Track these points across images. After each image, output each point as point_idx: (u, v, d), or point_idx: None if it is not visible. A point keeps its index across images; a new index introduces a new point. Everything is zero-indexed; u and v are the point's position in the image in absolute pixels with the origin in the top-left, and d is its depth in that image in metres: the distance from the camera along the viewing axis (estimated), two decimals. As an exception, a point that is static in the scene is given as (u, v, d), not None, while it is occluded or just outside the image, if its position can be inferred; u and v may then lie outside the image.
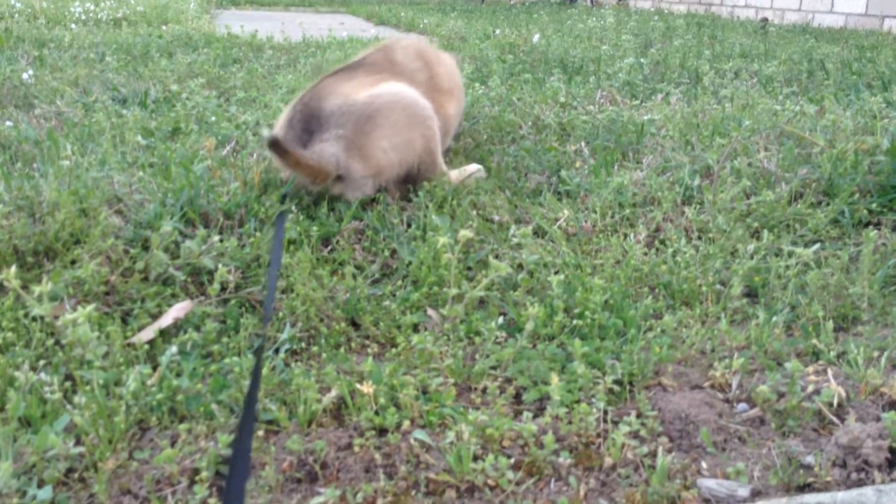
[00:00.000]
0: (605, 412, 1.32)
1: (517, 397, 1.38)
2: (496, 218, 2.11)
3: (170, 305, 1.60)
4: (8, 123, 2.86)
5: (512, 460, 1.20)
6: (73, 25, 6.37)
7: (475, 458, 1.18)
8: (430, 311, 1.64)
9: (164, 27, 6.52)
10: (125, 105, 3.34)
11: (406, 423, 1.27)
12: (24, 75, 3.70)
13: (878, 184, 2.26)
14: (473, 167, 2.41)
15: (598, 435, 1.27)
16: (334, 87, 2.24)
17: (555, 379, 1.27)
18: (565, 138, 2.89)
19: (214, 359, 1.45)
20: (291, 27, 7.46)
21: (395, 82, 2.31)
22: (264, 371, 1.35)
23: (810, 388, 1.36)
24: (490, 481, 1.16)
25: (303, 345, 1.54)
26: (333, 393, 1.31)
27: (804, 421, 1.31)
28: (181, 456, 1.18)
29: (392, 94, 2.23)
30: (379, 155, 2.14)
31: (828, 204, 2.18)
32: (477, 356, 1.48)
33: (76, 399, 1.23)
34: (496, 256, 1.89)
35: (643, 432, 1.26)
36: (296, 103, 2.24)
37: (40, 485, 1.13)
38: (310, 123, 2.14)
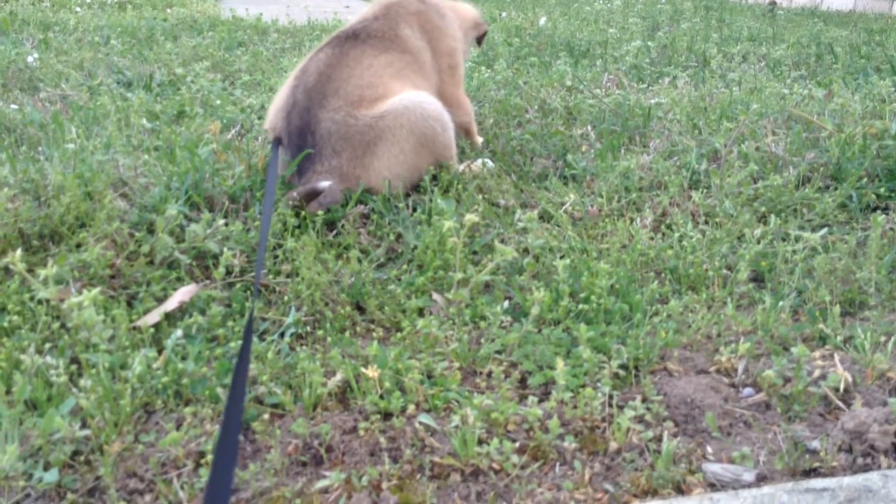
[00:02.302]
0: (611, 397, 1.32)
1: (522, 381, 1.38)
2: (502, 202, 2.10)
3: (175, 289, 1.60)
4: (13, 107, 2.85)
5: (517, 444, 1.20)
6: (77, 9, 6.36)
7: (480, 442, 1.18)
8: (436, 296, 1.64)
9: (168, 10, 6.50)
10: (130, 88, 3.34)
11: (411, 407, 1.27)
12: (29, 58, 3.70)
13: (886, 168, 2.24)
14: (479, 163, 2.31)
15: (604, 419, 1.27)
16: (335, 85, 2.04)
17: (560, 363, 1.27)
18: (571, 122, 2.88)
19: (219, 342, 1.45)
20: (296, 10, 7.42)
21: (406, 93, 2.09)
22: (269, 355, 1.35)
23: (816, 373, 1.36)
24: (495, 465, 1.16)
25: (308, 329, 1.54)
26: (339, 377, 1.31)
27: (810, 406, 1.30)
28: (186, 439, 1.18)
29: (399, 114, 2.02)
30: (376, 182, 2.02)
31: (835, 188, 2.17)
32: (482, 340, 1.47)
33: (82, 382, 1.23)
34: (502, 241, 1.88)
35: (648, 417, 1.26)
36: (296, 86, 2.07)
37: (46, 467, 1.13)
38: (304, 139, 2.00)
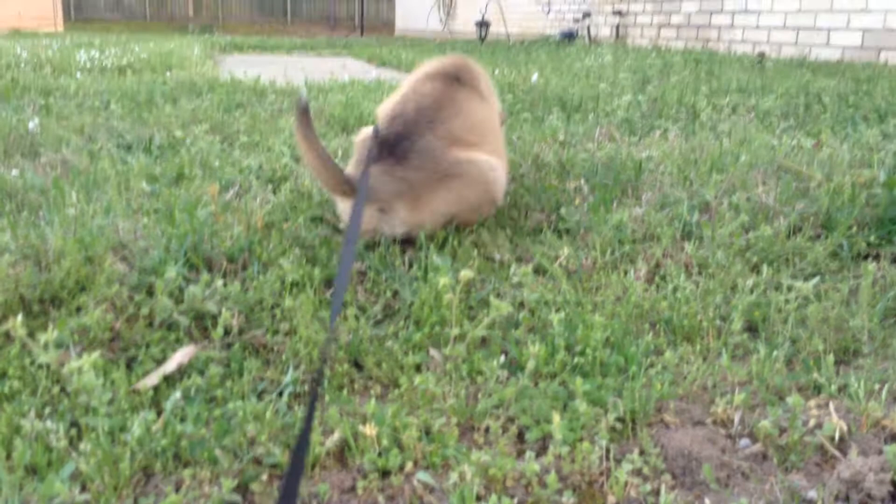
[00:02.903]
0: (608, 450, 1.32)
1: (520, 436, 1.39)
2: (497, 257, 2.12)
3: (174, 351, 1.61)
4: (14, 172, 2.89)
5: (515, 500, 1.20)
6: (78, 74, 6.47)
7: (478, 499, 1.19)
8: (433, 351, 1.65)
9: (168, 73, 6.62)
10: (130, 151, 3.39)
11: (409, 465, 1.27)
12: (31, 124, 3.76)
13: (875, 216, 2.28)
14: None
15: (601, 473, 1.27)
16: (444, 115, 2.20)
17: (557, 417, 1.28)
18: (565, 176, 2.92)
19: (218, 403, 1.45)
20: (294, 71, 7.56)
21: (494, 157, 2.25)
22: (267, 415, 1.36)
23: (812, 423, 1.36)
24: (493, 522, 1.16)
25: (306, 387, 1.55)
26: (336, 435, 1.31)
27: (806, 455, 1.31)
28: (185, 501, 1.18)
29: (482, 171, 2.17)
30: (427, 214, 2.12)
31: (826, 237, 2.19)
32: (479, 395, 1.48)
33: (81, 446, 1.24)
34: (497, 295, 1.90)
35: (646, 470, 1.26)
36: (407, 101, 2.23)
37: (46, 533, 1.13)
38: (399, 143, 2.12)
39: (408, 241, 2.18)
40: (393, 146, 2.12)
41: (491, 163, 2.21)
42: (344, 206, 2.18)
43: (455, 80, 2.36)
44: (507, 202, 2.53)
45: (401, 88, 2.38)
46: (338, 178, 2.06)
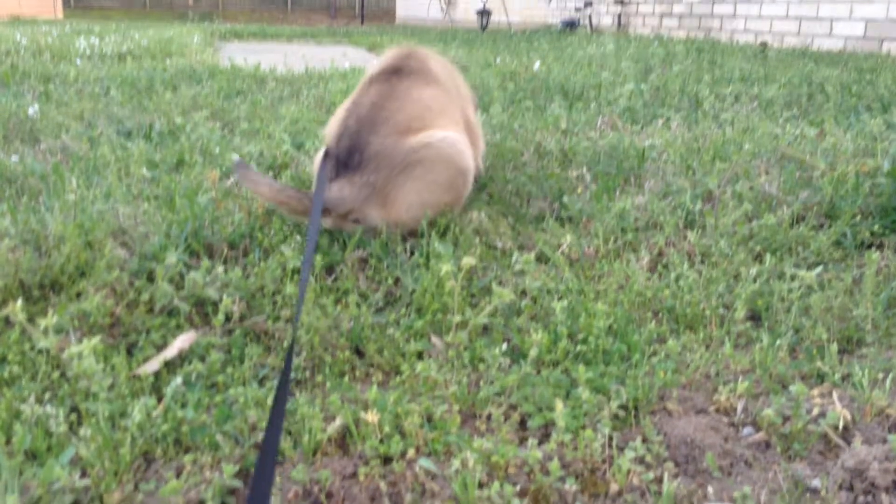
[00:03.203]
0: (611, 438, 1.31)
1: (522, 424, 1.38)
2: (499, 244, 2.11)
3: (174, 337, 1.60)
4: (14, 158, 2.88)
5: (517, 487, 1.19)
6: (78, 60, 6.45)
7: (480, 486, 1.18)
8: (434, 339, 1.64)
9: (168, 60, 6.59)
10: (130, 138, 3.37)
11: (411, 452, 1.27)
12: (30, 110, 3.74)
13: (879, 205, 2.27)
14: None
15: (604, 461, 1.27)
16: (386, 115, 2.15)
17: (559, 405, 1.27)
18: (567, 164, 2.91)
19: (219, 389, 1.45)
20: (294, 59, 7.53)
21: (450, 132, 2.19)
22: (268, 401, 1.35)
23: (815, 411, 1.36)
24: (496, 509, 1.15)
25: (307, 374, 1.54)
26: (338, 422, 1.31)
27: (810, 444, 1.30)
28: (186, 487, 1.18)
29: (440, 149, 2.11)
30: (402, 210, 2.08)
31: (830, 226, 2.18)
32: (481, 383, 1.48)
33: (82, 431, 1.23)
34: (499, 283, 1.90)
35: (649, 458, 1.26)
36: (348, 115, 2.18)
37: (46, 518, 1.13)
38: (351, 158, 2.08)
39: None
40: (346, 160, 2.08)
41: (448, 138, 2.14)
42: None
43: (395, 73, 2.31)
44: (509, 190, 2.52)
45: (344, 104, 2.35)
46: (298, 200, 2.02)
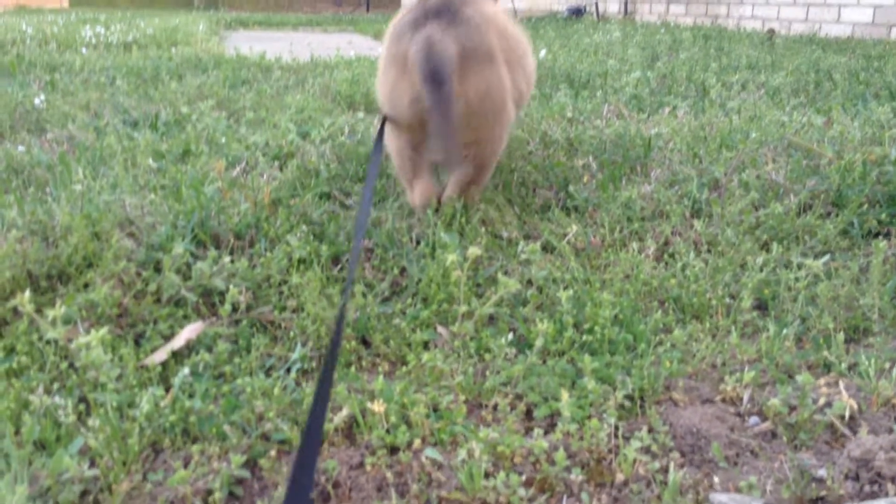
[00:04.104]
0: (617, 428, 1.32)
1: (528, 414, 1.39)
2: (505, 234, 2.11)
3: (182, 327, 1.61)
4: (20, 148, 2.89)
5: (523, 477, 1.20)
6: (83, 50, 6.44)
7: (487, 476, 1.18)
8: (440, 329, 1.65)
9: (173, 50, 6.58)
10: (136, 128, 3.38)
11: (417, 442, 1.27)
12: (36, 100, 3.75)
13: (886, 194, 2.26)
14: None
15: (610, 451, 1.27)
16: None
17: (565, 395, 1.28)
18: (573, 153, 2.90)
19: (226, 379, 1.45)
20: (300, 47, 7.52)
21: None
22: (275, 391, 1.36)
23: (822, 401, 1.36)
24: (502, 498, 1.16)
25: (314, 364, 1.55)
26: (345, 412, 1.31)
27: (816, 434, 1.30)
28: (194, 477, 1.19)
29: (520, 44, 2.16)
30: (471, 90, 1.95)
31: (837, 215, 2.18)
32: (487, 373, 1.48)
33: (90, 422, 1.24)
34: (505, 273, 1.90)
35: (655, 447, 1.26)
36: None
37: (55, 508, 1.14)
38: (442, 13, 1.96)
39: (414, 217, 2.17)
40: (437, 12, 1.97)
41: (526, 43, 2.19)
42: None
43: None
44: (515, 179, 2.52)
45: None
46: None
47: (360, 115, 3.64)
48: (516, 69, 2.19)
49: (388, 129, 2.08)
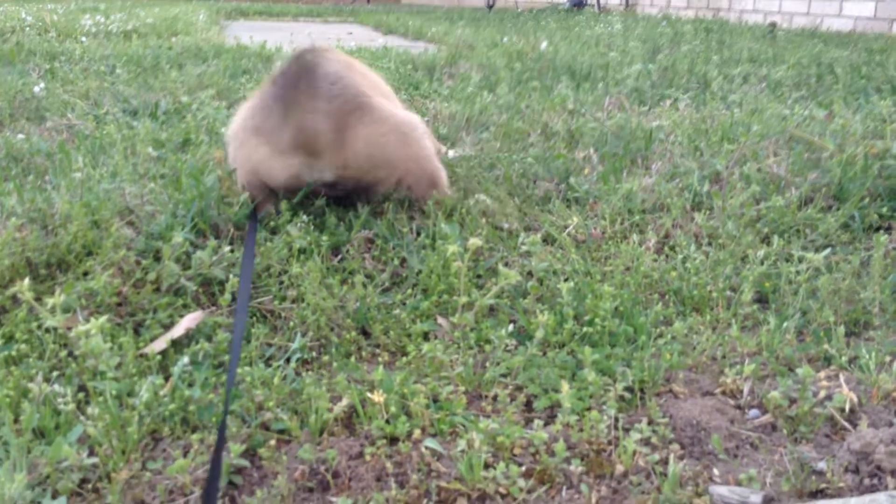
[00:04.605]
0: (616, 419, 1.32)
1: (528, 405, 1.38)
2: (505, 225, 2.11)
3: (181, 316, 1.61)
4: (20, 136, 2.88)
5: (523, 468, 1.20)
6: (83, 38, 6.42)
7: (486, 466, 1.18)
8: (440, 320, 1.65)
9: (173, 39, 6.56)
10: (136, 117, 3.37)
11: (417, 432, 1.27)
12: (36, 88, 3.73)
13: (888, 188, 2.25)
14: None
15: (610, 442, 1.27)
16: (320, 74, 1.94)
17: (565, 386, 1.27)
18: (574, 145, 2.90)
19: (226, 369, 1.45)
20: (300, 37, 7.49)
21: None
22: (275, 381, 1.35)
23: (822, 394, 1.36)
24: (501, 489, 1.16)
25: (313, 354, 1.54)
26: (344, 402, 1.31)
27: (816, 427, 1.30)
28: (194, 466, 1.19)
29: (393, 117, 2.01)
30: (358, 148, 1.93)
31: (838, 209, 2.17)
32: (487, 364, 1.48)
33: (89, 410, 1.24)
34: (506, 264, 1.89)
35: (654, 439, 1.26)
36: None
37: (54, 496, 1.13)
38: (298, 81, 1.91)
39: (416, 209, 2.16)
40: (294, 83, 1.91)
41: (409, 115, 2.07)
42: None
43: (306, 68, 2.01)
44: (515, 171, 2.51)
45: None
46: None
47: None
48: (392, 99, 2.18)
49: (253, 179, 2.04)
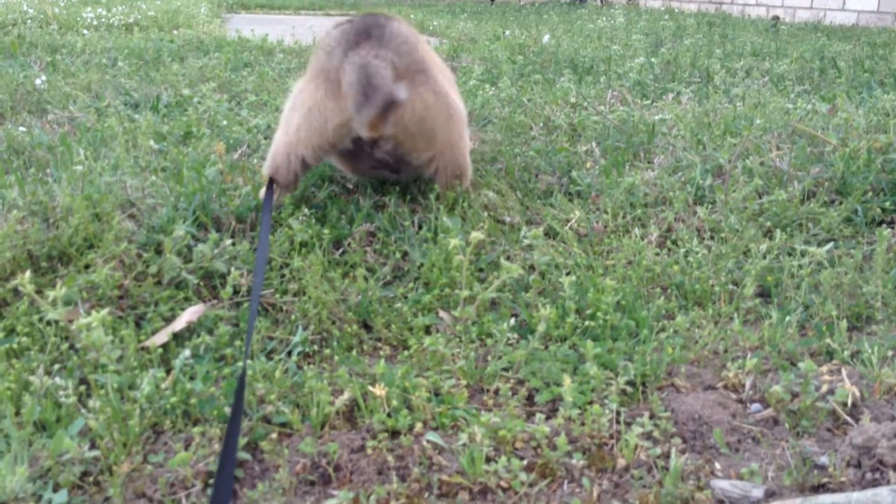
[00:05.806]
0: (618, 413, 1.31)
1: (529, 399, 1.38)
2: (507, 219, 2.10)
3: (183, 309, 1.61)
4: (21, 129, 2.88)
5: (525, 462, 1.20)
6: (85, 31, 6.41)
7: (488, 460, 1.18)
8: (442, 313, 1.64)
9: (175, 32, 6.55)
10: (137, 110, 3.36)
11: (418, 425, 1.27)
12: (37, 81, 3.73)
13: (891, 182, 2.25)
14: None
15: (611, 436, 1.27)
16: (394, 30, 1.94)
17: (567, 380, 1.27)
18: (576, 139, 2.89)
19: (227, 362, 1.45)
20: (302, 30, 7.47)
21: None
22: (276, 374, 1.35)
23: (824, 388, 1.35)
24: (503, 483, 1.16)
25: (315, 347, 1.54)
26: (346, 395, 1.31)
27: (818, 421, 1.30)
28: (195, 459, 1.19)
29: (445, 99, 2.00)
30: (425, 93, 1.92)
31: (841, 203, 2.17)
32: (489, 358, 1.48)
33: (91, 403, 1.24)
34: (508, 258, 1.89)
35: (656, 433, 1.26)
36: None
37: (56, 489, 1.13)
38: (370, 30, 1.89)
39: (417, 202, 2.16)
40: (364, 32, 1.89)
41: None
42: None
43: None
44: (517, 164, 2.51)
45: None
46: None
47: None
48: (452, 85, 2.17)
49: (304, 125, 1.97)
